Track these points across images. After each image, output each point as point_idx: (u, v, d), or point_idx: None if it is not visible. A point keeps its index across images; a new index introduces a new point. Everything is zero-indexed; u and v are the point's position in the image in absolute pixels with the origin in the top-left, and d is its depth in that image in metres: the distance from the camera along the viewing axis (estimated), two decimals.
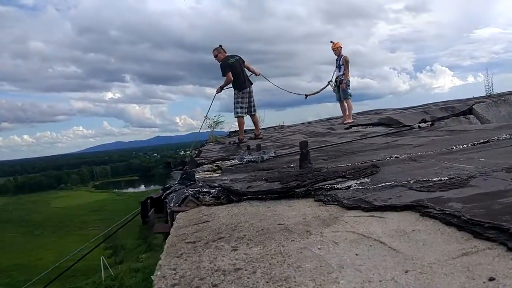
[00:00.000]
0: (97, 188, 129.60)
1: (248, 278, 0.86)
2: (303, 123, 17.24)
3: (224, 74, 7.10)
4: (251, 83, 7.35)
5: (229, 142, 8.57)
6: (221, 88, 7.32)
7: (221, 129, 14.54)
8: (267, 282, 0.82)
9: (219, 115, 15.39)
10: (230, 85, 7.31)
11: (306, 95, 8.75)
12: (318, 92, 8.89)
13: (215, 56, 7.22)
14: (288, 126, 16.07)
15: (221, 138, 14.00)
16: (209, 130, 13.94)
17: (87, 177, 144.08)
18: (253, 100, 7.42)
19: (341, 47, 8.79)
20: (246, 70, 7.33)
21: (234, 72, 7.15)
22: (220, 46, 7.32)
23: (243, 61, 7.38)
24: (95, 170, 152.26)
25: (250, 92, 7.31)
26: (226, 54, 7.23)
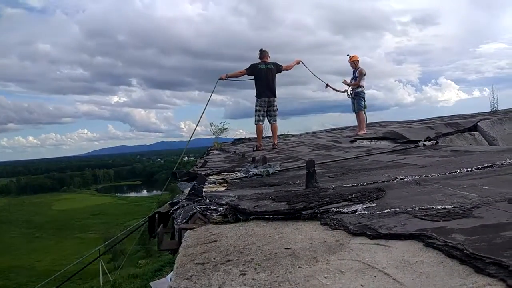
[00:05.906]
0: (100, 192, 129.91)
1: None
2: (307, 133, 17.33)
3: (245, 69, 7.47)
4: (274, 95, 7.47)
5: (234, 152, 8.64)
6: (227, 76, 7.46)
7: (225, 136, 14.69)
8: None
9: (224, 122, 15.58)
10: (237, 79, 7.63)
11: (327, 85, 9.04)
12: (336, 90, 9.27)
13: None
14: (293, 135, 16.12)
15: (226, 145, 14.08)
16: (214, 136, 14.08)
17: (90, 180, 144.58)
18: (274, 110, 7.56)
19: (358, 60, 8.94)
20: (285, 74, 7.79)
21: (258, 77, 7.40)
22: (261, 50, 7.49)
23: (279, 70, 7.55)
24: (98, 173, 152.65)
25: (269, 102, 7.46)
26: (264, 60, 7.46)
